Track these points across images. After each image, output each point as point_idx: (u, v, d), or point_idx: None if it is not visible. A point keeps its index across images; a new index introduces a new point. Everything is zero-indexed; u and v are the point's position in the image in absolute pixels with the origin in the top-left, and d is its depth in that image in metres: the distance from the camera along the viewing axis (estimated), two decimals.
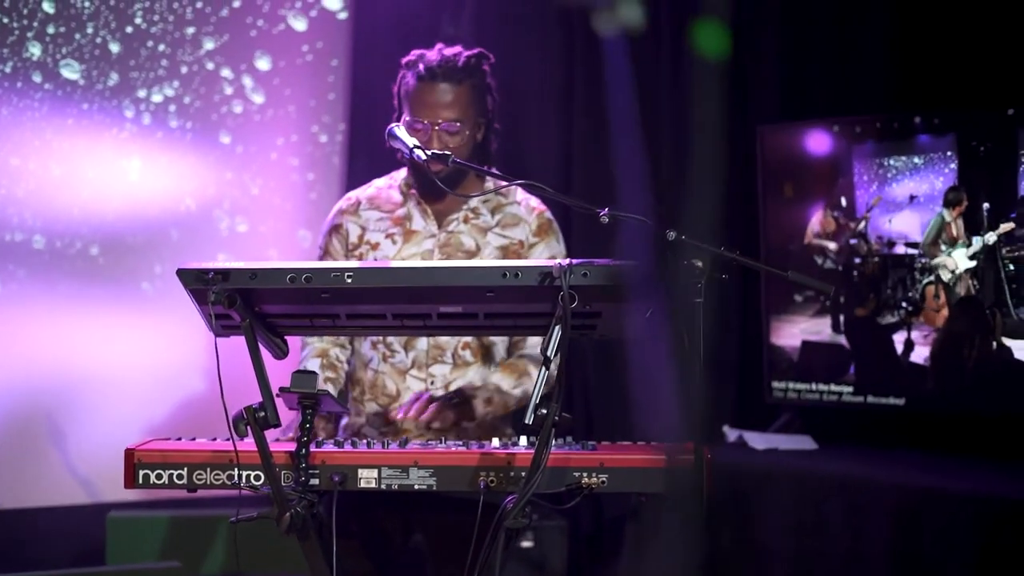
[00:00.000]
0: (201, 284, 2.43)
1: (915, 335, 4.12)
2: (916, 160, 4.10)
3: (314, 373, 2.55)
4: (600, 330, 2.69)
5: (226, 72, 4.97)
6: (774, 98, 4.55)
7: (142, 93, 4.84)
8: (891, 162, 4.16)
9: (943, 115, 4.05)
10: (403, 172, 3.20)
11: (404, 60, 3.12)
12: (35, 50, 4.65)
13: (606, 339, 3.15)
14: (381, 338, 3.14)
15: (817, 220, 4.31)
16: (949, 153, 4.02)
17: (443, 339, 3.12)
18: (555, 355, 2.40)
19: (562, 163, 4.99)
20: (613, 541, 4.52)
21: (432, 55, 3.07)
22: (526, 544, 4.34)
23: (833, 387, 4.28)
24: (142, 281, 4.83)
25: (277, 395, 2.54)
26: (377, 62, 4.90)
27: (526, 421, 2.55)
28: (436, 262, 3.04)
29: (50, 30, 4.68)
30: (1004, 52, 4.05)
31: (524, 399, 3.09)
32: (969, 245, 3.96)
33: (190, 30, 4.91)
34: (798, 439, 4.21)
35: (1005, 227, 3.88)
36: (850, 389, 4.25)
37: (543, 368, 2.42)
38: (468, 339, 3.14)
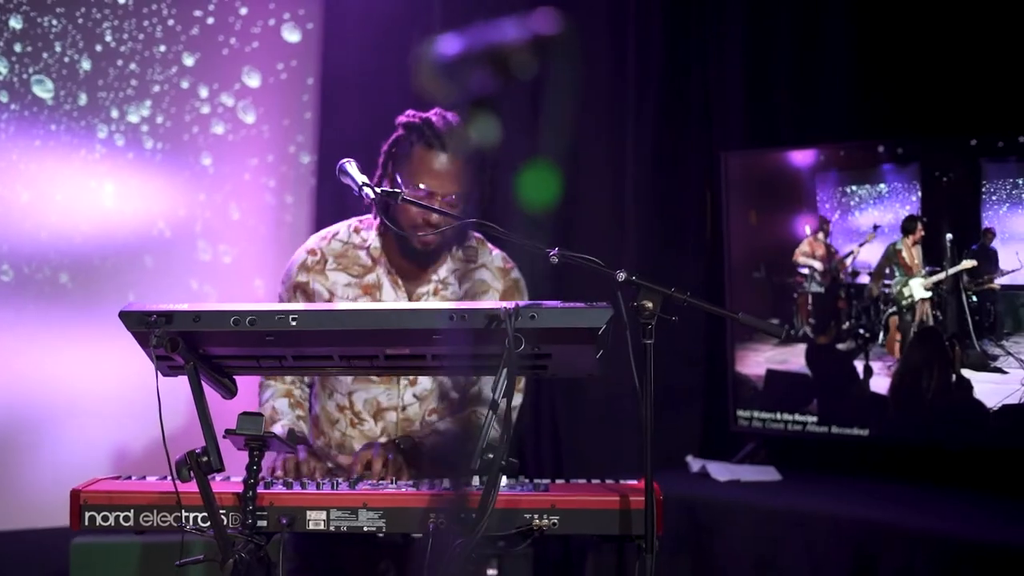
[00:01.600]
0: (143, 327, 2.40)
1: (878, 365, 4.10)
2: (880, 188, 4.09)
3: (260, 415, 2.52)
4: (551, 370, 2.67)
5: (203, 92, 4.94)
6: (738, 125, 4.54)
7: (114, 113, 4.80)
8: (854, 190, 4.15)
9: (907, 144, 4.04)
10: (372, 233, 3.11)
11: (402, 120, 3.02)
12: (1, 68, 4.61)
13: (558, 378, 3.16)
14: (348, 404, 3.12)
15: (808, 244, 4.28)
16: (913, 183, 4.01)
17: (411, 411, 3.10)
18: (502, 399, 2.37)
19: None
20: (580, 569, 4.49)
21: (436, 120, 2.98)
22: (491, 572, 4.30)
23: (798, 417, 4.26)
24: (113, 308, 4.78)
25: (223, 437, 2.53)
26: (348, 82, 4.90)
27: (472, 466, 2.54)
28: (381, 304, 3.01)
29: (17, 48, 4.65)
30: (968, 82, 4.04)
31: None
32: (926, 275, 3.95)
33: (161, 48, 4.88)
34: (761, 470, 4.18)
35: (967, 263, 3.86)
36: (814, 419, 4.22)
37: (490, 411, 2.40)
38: (434, 405, 3.11)
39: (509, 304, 2.33)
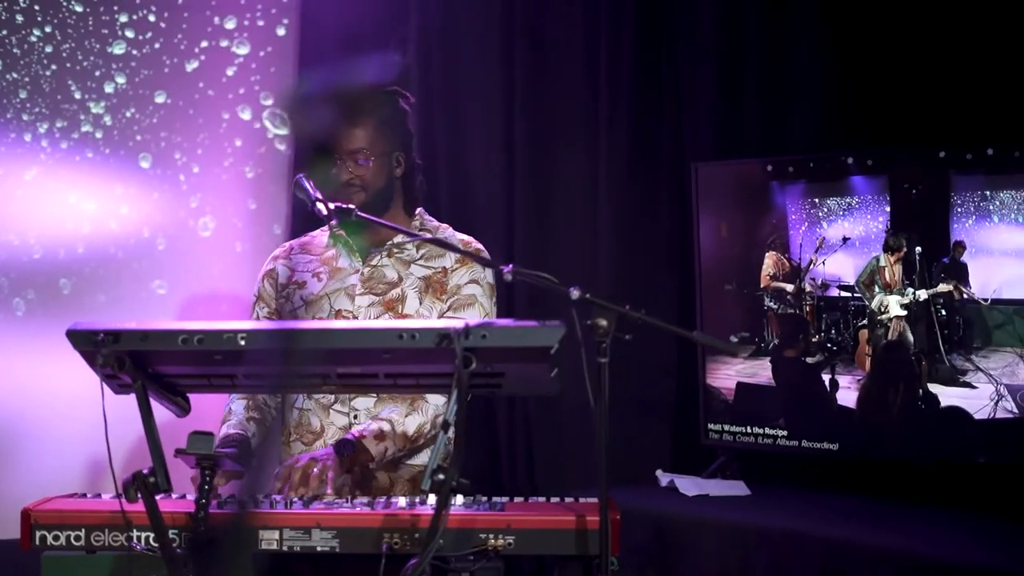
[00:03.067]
0: (90, 346, 2.37)
1: (847, 379, 4.07)
2: (850, 200, 4.06)
3: (211, 434, 2.49)
4: (506, 389, 2.64)
5: (160, 98, 4.93)
6: (709, 136, 4.52)
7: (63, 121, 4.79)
8: (824, 202, 4.12)
9: (876, 156, 4.02)
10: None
11: None
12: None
13: (515, 396, 3.14)
14: (298, 419, 3.12)
15: (772, 262, 4.26)
16: (883, 195, 3.98)
17: (362, 416, 3.08)
18: (453, 419, 2.34)
19: (504, 184, 4.92)
20: None
21: None
22: None
23: (768, 431, 4.23)
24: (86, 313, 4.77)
25: (175, 456, 2.50)
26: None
27: (422, 487, 2.51)
28: (332, 322, 3.01)
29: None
30: (937, 93, 4.02)
31: (421, 430, 3.05)
32: (903, 293, 3.92)
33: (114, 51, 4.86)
34: (730, 485, 4.15)
35: (943, 287, 3.84)
36: (784, 433, 4.19)
37: (441, 431, 2.37)
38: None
39: (458, 324, 2.30)
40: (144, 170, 4.94)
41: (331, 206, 2.77)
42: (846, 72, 4.25)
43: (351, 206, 2.83)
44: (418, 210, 3.21)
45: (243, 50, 5.08)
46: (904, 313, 3.91)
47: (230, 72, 5.05)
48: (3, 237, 4.77)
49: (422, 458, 3.16)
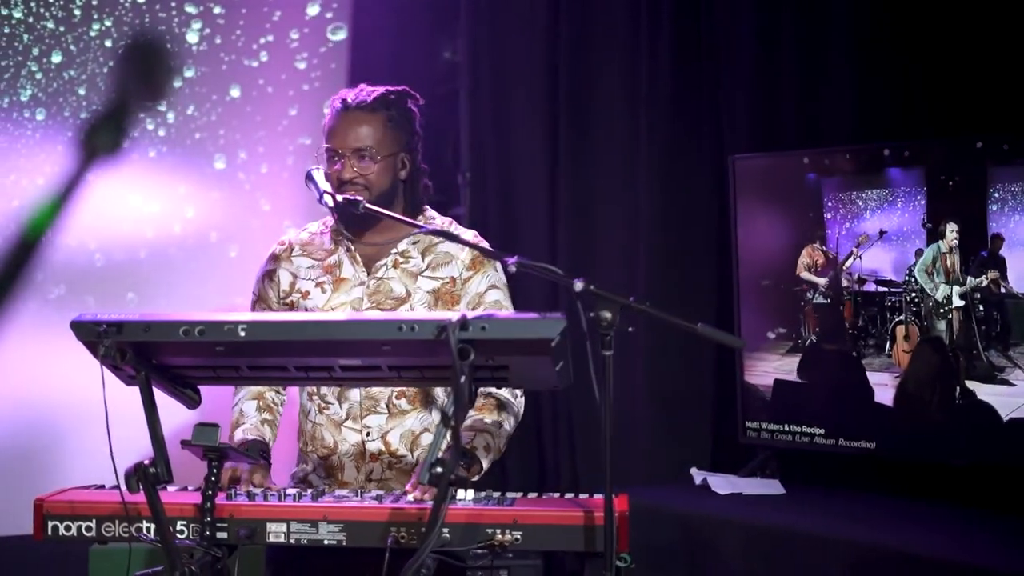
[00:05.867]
0: (93, 337, 2.38)
1: (885, 376, 3.98)
2: (886, 193, 3.98)
3: (216, 425, 2.50)
4: (512, 382, 2.62)
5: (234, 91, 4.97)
6: (746, 129, 4.47)
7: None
8: (861, 195, 4.04)
9: (912, 147, 3.93)
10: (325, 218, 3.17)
11: (331, 99, 3.11)
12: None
13: (526, 388, 3.10)
14: (315, 388, 3.08)
15: (807, 253, 4.19)
16: (920, 187, 3.90)
17: (375, 389, 3.05)
18: (452, 412, 2.32)
19: (547, 182, 4.95)
20: None
21: (351, 91, 3.07)
22: None
23: (805, 429, 4.15)
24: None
25: (182, 448, 2.51)
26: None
27: (420, 480, 2.49)
28: (333, 314, 2.97)
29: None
30: (973, 83, 3.93)
31: (509, 434, 3.01)
32: (963, 283, 3.82)
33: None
34: (765, 483, 4.08)
35: (992, 275, 3.74)
36: (821, 431, 4.11)
37: (440, 424, 2.36)
38: (402, 387, 3.07)
39: (456, 315, 2.27)
40: (211, 169, 4.97)
41: (339, 198, 2.79)
42: (883, 63, 4.17)
43: (359, 198, 2.82)
44: (423, 209, 3.12)
45: (303, 51, 5.10)
46: (963, 303, 3.80)
47: (289, 70, 5.07)
48: (61, 239, 4.81)
49: None
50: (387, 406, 3.04)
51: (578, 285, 2.44)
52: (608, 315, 2.41)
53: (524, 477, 4.92)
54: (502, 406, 3.00)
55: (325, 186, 2.82)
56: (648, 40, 4.69)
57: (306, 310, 3.05)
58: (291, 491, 2.69)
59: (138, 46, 0.89)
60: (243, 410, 3.08)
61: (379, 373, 2.51)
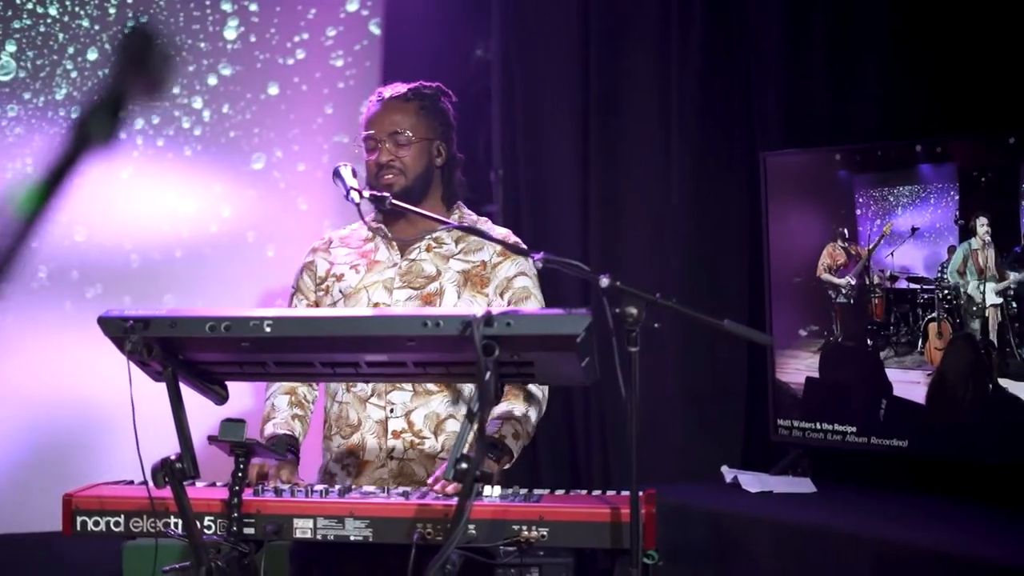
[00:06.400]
0: (120, 333, 2.40)
1: (917, 374, 3.94)
2: (918, 189, 3.94)
3: (242, 421, 2.51)
4: (538, 378, 2.62)
5: (272, 89, 4.99)
6: (777, 126, 4.44)
7: (157, 117, 4.86)
8: (893, 191, 4.01)
9: (945, 143, 3.90)
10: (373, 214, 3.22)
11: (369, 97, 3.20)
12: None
13: (552, 384, 3.10)
14: None
15: (827, 253, 4.17)
16: (952, 183, 3.86)
17: None
18: (477, 408, 2.31)
19: (579, 180, 4.95)
20: None
21: (388, 87, 3.17)
22: None
23: (837, 427, 4.12)
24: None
25: (209, 443, 2.52)
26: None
27: (444, 476, 2.49)
28: (356, 310, 3.00)
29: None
30: (1005, 78, 3.88)
31: (535, 424, 3.03)
32: (999, 279, 3.77)
33: (205, 62, 4.93)
34: (796, 482, 4.05)
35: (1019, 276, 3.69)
36: (853, 429, 4.08)
37: (466, 421, 2.36)
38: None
39: (481, 310, 2.27)
40: (247, 168, 4.99)
41: (365, 194, 2.82)
42: (914, 59, 4.12)
43: (385, 194, 2.85)
44: (457, 203, 3.18)
45: (338, 49, 5.11)
46: (1000, 301, 3.76)
47: (323, 68, 5.09)
48: (96, 239, 4.84)
49: None
50: (412, 384, 3.06)
51: (604, 281, 2.44)
52: (634, 311, 2.40)
53: (556, 474, 4.93)
54: (529, 396, 3.02)
55: (352, 183, 2.88)
56: (679, 37, 4.68)
57: (340, 292, 3.10)
58: (318, 487, 2.70)
59: (134, 38, 0.89)
60: (275, 404, 3.12)
61: (405, 369, 2.52)
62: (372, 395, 3.07)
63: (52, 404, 4.77)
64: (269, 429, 3.04)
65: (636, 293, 2.40)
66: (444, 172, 3.14)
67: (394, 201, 2.84)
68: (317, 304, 3.14)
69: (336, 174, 2.90)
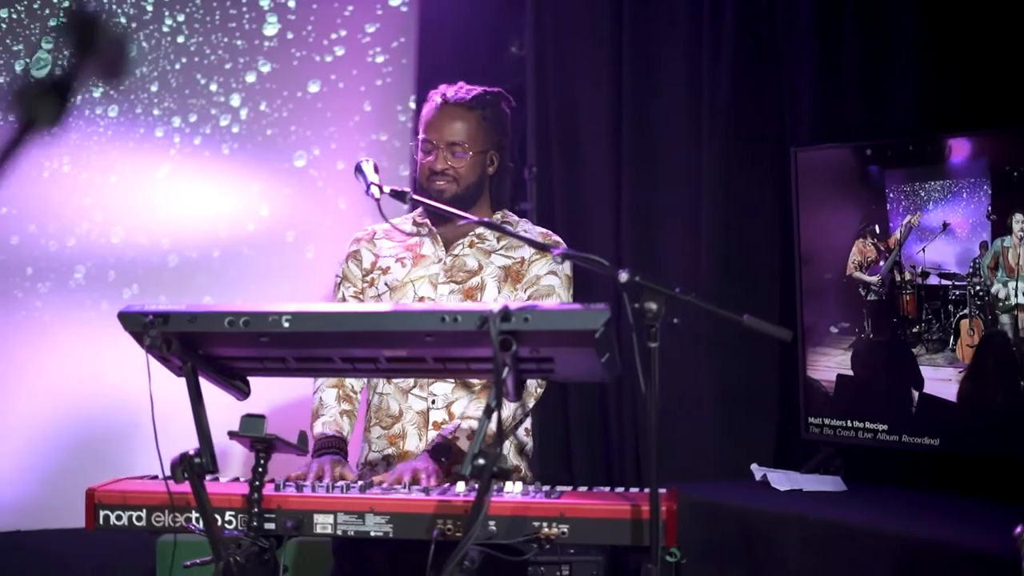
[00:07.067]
0: (139, 328, 2.40)
1: (949, 371, 3.89)
2: (950, 184, 3.90)
3: (262, 417, 2.52)
4: (559, 374, 2.60)
5: (313, 87, 5.00)
6: (808, 121, 4.41)
7: (194, 115, 4.88)
8: (924, 186, 3.96)
9: (976, 138, 3.85)
10: (416, 210, 3.24)
11: (430, 92, 3.22)
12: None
13: (571, 382, 3.09)
14: None
15: (857, 249, 4.13)
16: (984, 178, 3.81)
17: None
18: (496, 404, 2.30)
19: (613, 171, 4.94)
20: None
21: (451, 87, 3.17)
22: None
23: (868, 424, 4.08)
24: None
25: (230, 439, 2.53)
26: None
27: (463, 472, 2.48)
28: (376, 305, 3.02)
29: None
30: None
31: (506, 420, 3.01)
32: None
33: (242, 60, 4.95)
34: (826, 480, 4.02)
35: None
36: (885, 427, 4.04)
37: (484, 418, 2.34)
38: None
39: (498, 305, 2.26)
40: (284, 166, 5.00)
41: (386, 189, 2.84)
42: (946, 52, 4.08)
43: (406, 189, 2.86)
44: (505, 212, 3.23)
45: (375, 46, 5.12)
46: None
47: (359, 66, 5.10)
48: (133, 238, 4.86)
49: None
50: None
51: (623, 276, 2.42)
52: (654, 306, 2.38)
53: (591, 471, 4.94)
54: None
55: (373, 178, 2.88)
56: (711, 34, 4.67)
57: (386, 285, 3.14)
58: (339, 483, 2.70)
59: (79, 22, 0.88)
60: (323, 400, 3.14)
61: (424, 365, 2.51)
62: (414, 386, 3.10)
63: (89, 403, 4.81)
64: (318, 428, 3.08)
65: (655, 288, 2.38)
66: (494, 179, 3.19)
67: (415, 196, 2.86)
68: (362, 293, 3.16)
69: (358, 169, 2.93)
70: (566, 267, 3.12)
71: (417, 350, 2.43)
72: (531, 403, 3.08)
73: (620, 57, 4.95)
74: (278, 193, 5.00)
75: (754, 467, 4.16)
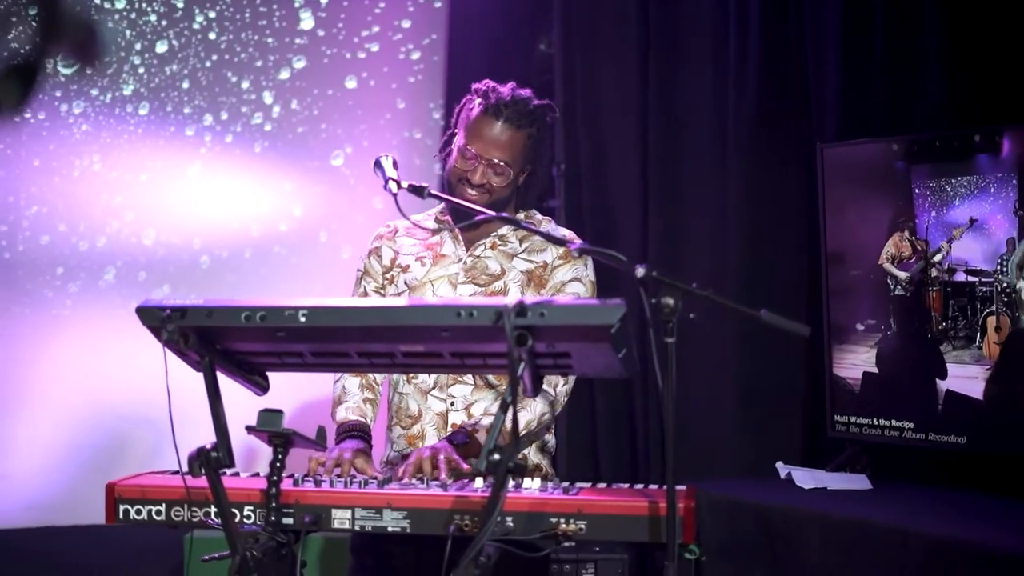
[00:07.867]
0: (157, 322, 2.41)
1: (975, 369, 3.85)
2: (977, 180, 3.86)
3: (280, 411, 2.51)
4: (576, 370, 2.59)
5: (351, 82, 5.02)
6: (834, 116, 4.38)
7: (225, 112, 4.89)
8: (951, 182, 3.92)
9: (1004, 133, 3.81)
10: (439, 206, 3.24)
11: (475, 86, 3.15)
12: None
13: (589, 377, 3.08)
14: None
15: (893, 243, 4.09)
16: (1013, 173, 3.77)
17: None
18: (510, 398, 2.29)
19: (638, 173, 4.94)
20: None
21: (504, 91, 3.10)
22: None
23: (895, 423, 4.05)
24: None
25: (248, 433, 2.53)
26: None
27: (477, 466, 2.48)
28: (393, 300, 3.04)
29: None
30: None
31: (528, 426, 3.01)
32: None
33: (272, 57, 4.96)
34: (851, 478, 3.98)
35: None
36: (911, 425, 4.01)
37: (500, 412, 2.34)
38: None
39: (513, 300, 2.25)
40: (315, 164, 5.00)
41: (404, 184, 2.84)
42: (973, 47, 4.03)
43: (424, 184, 2.86)
44: (532, 212, 3.22)
45: (407, 43, 5.12)
46: None
47: (390, 63, 5.10)
48: (164, 237, 4.88)
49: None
50: (473, 377, 3.09)
51: (639, 271, 2.41)
52: (671, 301, 2.37)
53: (617, 467, 4.94)
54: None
55: (392, 173, 2.90)
56: (737, 30, 4.67)
57: (406, 283, 3.14)
58: (358, 478, 2.71)
59: (47, 7, 0.88)
60: (345, 387, 3.15)
61: (441, 360, 2.50)
62: (434, 387, 3.10)
63: (118, 402, 4.83)
64: (341, 413, 3.09)
65: (671, 283, 2.37)
66: (523, 185, 3.16)
67: (432, 192, 2.86)
68: (383, 289, 3.16)
69: (377, 164, 2.93)
70: (590, 273, 3.12)
71: (433, 345, 2.43)
72: (558, 410, 3.08)
73: (647, 54, 4.96)
74: (310, 192, 5.01)
75: (779, 465, 4.13)
